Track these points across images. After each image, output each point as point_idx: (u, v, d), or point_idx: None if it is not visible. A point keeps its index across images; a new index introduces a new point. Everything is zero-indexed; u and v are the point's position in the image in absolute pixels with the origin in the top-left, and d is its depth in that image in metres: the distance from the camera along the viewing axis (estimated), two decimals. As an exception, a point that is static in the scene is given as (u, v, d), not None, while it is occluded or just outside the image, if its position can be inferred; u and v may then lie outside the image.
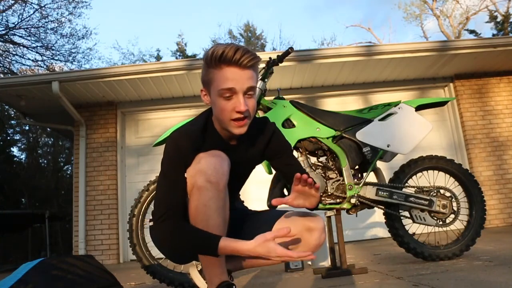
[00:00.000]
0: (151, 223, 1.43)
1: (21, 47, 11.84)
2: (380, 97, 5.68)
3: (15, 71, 11.92)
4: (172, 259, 1.42)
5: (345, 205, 2.19)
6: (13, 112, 12.32)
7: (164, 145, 2.22)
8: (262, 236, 1.11)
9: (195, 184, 1.19)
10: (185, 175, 1.23)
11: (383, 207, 2.31)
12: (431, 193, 2.31)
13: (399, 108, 2.32)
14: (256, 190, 3.49)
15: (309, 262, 2.72)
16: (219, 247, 1.13)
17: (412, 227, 2.39)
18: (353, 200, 2.18)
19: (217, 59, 1.16)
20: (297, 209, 1.36)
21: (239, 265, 1.49)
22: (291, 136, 2.16)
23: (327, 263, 2.51)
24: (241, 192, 2.04)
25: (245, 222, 1.45)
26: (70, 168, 15.07)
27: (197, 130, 1.28)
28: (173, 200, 1.22)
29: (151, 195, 2.25)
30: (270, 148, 1.42)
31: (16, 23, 11.36)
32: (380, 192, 2.23)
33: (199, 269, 1.45)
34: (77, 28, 15.48)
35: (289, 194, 2.03)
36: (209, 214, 1.18)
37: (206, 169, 1.19)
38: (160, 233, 1.23)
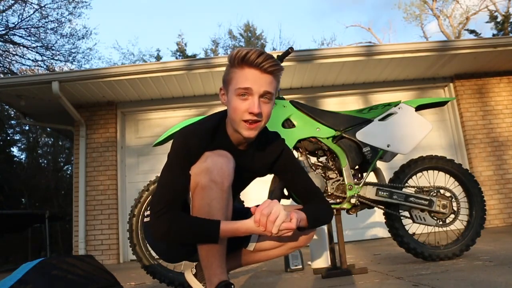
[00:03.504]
0: (147, 219, 1.43)
1: (21, 47, 11.84)
2: (380, 97, 5.68)
3: (15, 71, 11.92)
4: (165, 256, 1.42)
5: (345, 205, 2.19)
6: (13, 112, 12.32)
7: (165, 144, 2.24)
8: (258, 212, 1.14)
9: (199, 183, 1.19)
10: (189, 173, 1.23)
11: (383, 207, 2.31)
12: (431, 193, 2.31)
13: (399, 108, 2.31)
14: (256, 190, 3.48)
15: (309, 262, 2.72)
16: (221, 230, 1.15)
17: (412, 227, 2.39)
18: (353, 200, 2.18)
19: (240, 59, 1.19)
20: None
21: (237, 264, 1.49)
22: (291, 136, 2.16)
23: (327, 263, 2.51)
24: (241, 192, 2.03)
25: None
26: (70, 168, 15.07)
27: (208, 130, 1.28)
28: (173, 195, 1.22)
29: (151, 195, 2.25)
30: (278, 165, 1.43)
31: (16, 23, 11.36)
32: (380, 192, 2.23)
33: (193, 273, 1.46)
34: (77, 28, 15.49)
35: (289, 194, 2.04)
36: (212, 214, 1.18)
37: (212, 168, 1.19)
38: (158, 228, 1.20)
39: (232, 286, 1.20)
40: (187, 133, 1.26)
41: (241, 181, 1.41)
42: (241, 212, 1.51)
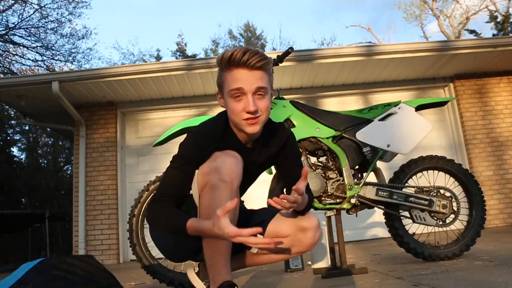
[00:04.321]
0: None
1: (21, 47, 11.85)
2: (380, 97, 5.68)
3: (15, 71, 11.92)
4: (170, 256, 1.43)
5: (345, 205, 2.19)
6: (13, 112, 12.32)
7: (165, 144, 2.24)
8: (216, 215, 1.06)
9: (208, 182, 1.20)
10: (194, 172, 1.25)
11: (383, 207, 2.31)
12: (431, 193, 2.31)
13: (399, 108, 2.31)
14: (256, 190, 3.48)
15: (309, 262, 2.72)
16: (187, 226, 1.16)
17: (412, 227, 2.39)
18: (353, 200, 2.18)
19: (226, 61, 1.20)
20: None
21: (240, 265, 1.49)
22: (291, 136, 2.16)
23: (327, 263, 2.51)
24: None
25: (246, 223, 1.45)
26: (70, 168, 15.07)
27: (218, 130, 1.30)
28: (172, 191, 1.25)
29: (151, 195, 2.25)
30: (283, 152, 1.44)
31: (16, 23, 11.36)
32: (380, 192, 2.23)
33: (196, 271, 1.46)
34: (77, 28, 15.48)
35: (287, 193, 2.04)
36: None
37: (221, 168, 1.20)
38: (148, 214, 1.27)
39: (236, 287, 1.20)
40: (199, 133, 1.27)
41: (248, 179, 1.42)
42: (244, 213, 1.51)
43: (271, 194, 2.13)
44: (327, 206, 2.19)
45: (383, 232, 5.16)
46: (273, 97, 2.35)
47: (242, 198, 2.34)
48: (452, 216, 2.31)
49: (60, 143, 14.70)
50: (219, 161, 1.21)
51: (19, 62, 12.07)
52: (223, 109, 1.37)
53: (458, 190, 2.40)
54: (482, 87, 5.63)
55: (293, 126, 2.20)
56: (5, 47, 11.79)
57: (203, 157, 1.25)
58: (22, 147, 14.65)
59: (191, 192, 1.29)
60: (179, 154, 1.27)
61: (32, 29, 11.58)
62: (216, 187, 1.18)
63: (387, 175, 2.47)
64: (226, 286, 1.18)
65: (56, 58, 12.55)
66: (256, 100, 1.21)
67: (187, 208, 1.33)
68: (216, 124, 1.32)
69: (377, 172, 2.36)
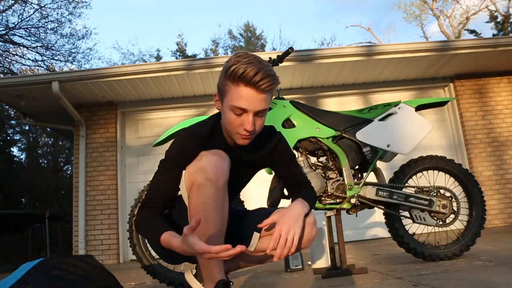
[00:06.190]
0: None
1: (21, 47, 11.84)
2: (380, 97, 5.68)
3: (15, 71, 11.92)
4: (165, 257, 1.43)
5: (345, 205, 2.19)
6: (13, 112, 12.32)
7: (165, 144, 2.24)
8: (183, 234, 1.03)
9: (195, 182, 1.21)
10: (181, 174, 1.26)
11: (383, 207, 2.31)
12: (431, 193, 2.31)
13: (399, 108, 2.31)
14: (256, 190, 3.49)
15: (309, 262, 2.72)
16: (161, 239, 1.14)
17: (412, 227, 2.39)
18: (353, 200, 2.18)
19: (236, 76, 1.15)
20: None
21: (234, 266, 1.49)
22: (291, 136, 2.16)
23: (327, 263, 2.51)
24: (241, 192, 2.04)
25: (242, 223, 1.46)
26: (70, 168, 15.07)
27: (205, 133, 1.30)
28: (160, 193, 1.26)
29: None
30: (274, 156, 1.44)
31: (16, 23, 11.35)
32: (380, 192, 2.23)
33: (194, 273, 1.46)
34: (77, 28, 15.48)
35: (289, 194, 2.04)
36: (208, 212, 1.19)
37: (207, 167, 1.20)
38: (135, 220, 1.28)
39: (231, 283, 1.20)
40: (186, 136, 1.28)
41: (239, 179, 1.42)
42: (241, 213, 1.51)
43: (271, 194, 2.13)
44: (327, 206, 2.19)
45: (383, 232, 5.16)
46: (273, 97, 2.35)
47: (242, 199, 2.34)
48: (452, 216, 2.31)
49: (60, 143, 14.68)
50: (204, 160, 1.22)
51: (19, 62, 12.08)
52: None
53: (458, 190, 2.40)
54: (482, 87, 5.63)
55: (293, 126, 2.20)
56: (5, 47, 11.79)
57: (189, 159, 1.26)
58: (22, 147, 14.65)
59: (180, 193, 1.30)
60: (165, 158, 1.29)
61: (32, 29, 11.58)
62: (202, 186, 1.19)
63: (387, 175, 2.46)
64: (221, 285, 1.18)
65: (56, 58, 12.56)
66: (255, 118, 1.21)
67: (178, 209, 1.33)
68: (203, 126, 1.32)
69: (377, 172, 2.36)
